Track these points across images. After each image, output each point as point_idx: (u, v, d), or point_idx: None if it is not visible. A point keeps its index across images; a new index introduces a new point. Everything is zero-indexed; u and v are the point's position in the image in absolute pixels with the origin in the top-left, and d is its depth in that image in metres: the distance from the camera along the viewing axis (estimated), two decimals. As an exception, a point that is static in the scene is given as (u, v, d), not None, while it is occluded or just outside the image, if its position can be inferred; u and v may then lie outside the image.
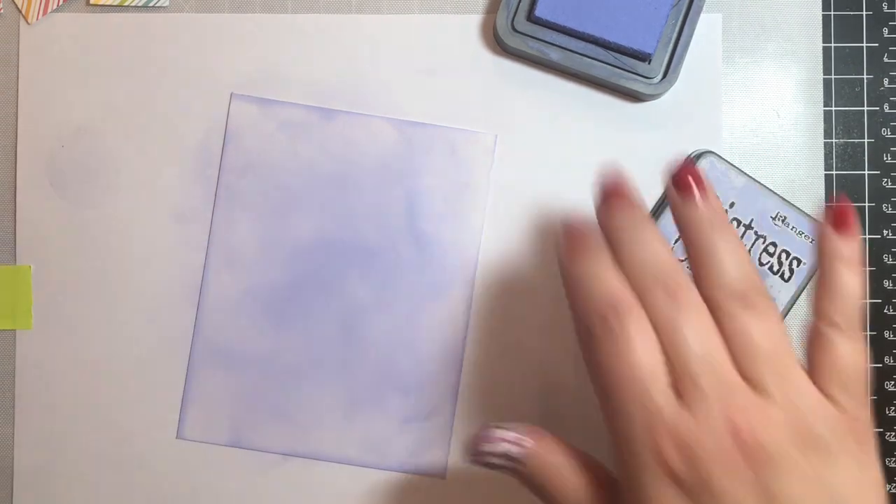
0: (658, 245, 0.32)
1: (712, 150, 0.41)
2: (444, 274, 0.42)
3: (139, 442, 0.42)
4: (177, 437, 0.42)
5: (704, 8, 0.41)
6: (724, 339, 0.31)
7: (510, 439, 0.33)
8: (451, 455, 0.42)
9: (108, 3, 0.42)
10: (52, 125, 0.42)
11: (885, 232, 0.42)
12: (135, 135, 0.42)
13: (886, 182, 0.43)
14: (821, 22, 0.43)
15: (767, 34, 0.43)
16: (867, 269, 0.42)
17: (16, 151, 0.42)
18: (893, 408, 0.42)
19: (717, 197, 0.33)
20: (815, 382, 0.31)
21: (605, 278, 0.31)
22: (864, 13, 0.43)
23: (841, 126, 0.43)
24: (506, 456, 0.32)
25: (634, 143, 0.42)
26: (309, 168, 0.42)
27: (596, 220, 0.33)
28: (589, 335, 0.31)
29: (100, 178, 0.42)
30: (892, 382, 0.42)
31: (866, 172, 0.43)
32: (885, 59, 0.43)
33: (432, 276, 0.42)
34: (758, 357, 0.30)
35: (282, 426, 0.42)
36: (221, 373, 0.42)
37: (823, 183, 0.43)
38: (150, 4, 0.42)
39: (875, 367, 0.42)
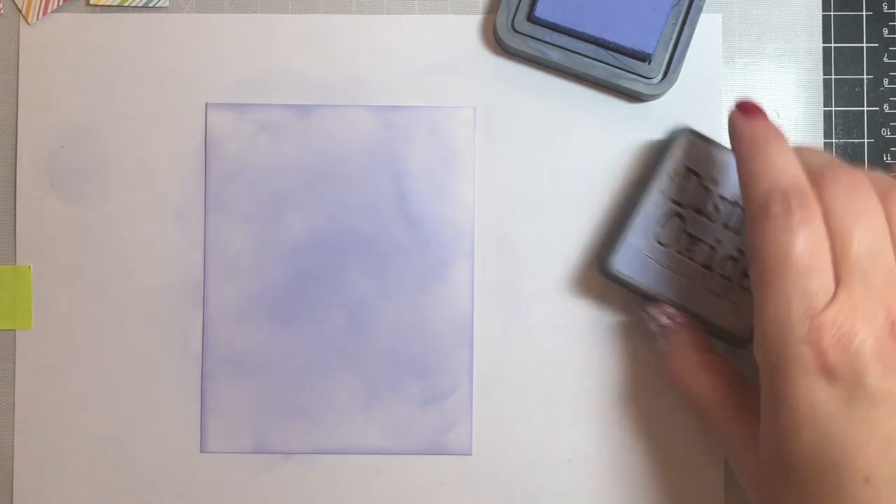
0: (821, 151, 0.35)
1: (690, 126, 0.41)
2: (443, 252, 0.42)
3: (137, 439, 0.42)
4: (201, 452, 0.42)
5: (704, 8, 0.41)
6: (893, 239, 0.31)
7: (666, 312, 0.39)
8: (474, 430, 0.42)
9: (108, 3, 0.42)
10: (52, 125, 0.42)
11: (885, 232, 0.42)
12: (135, 135, 0.42)
13: (886, 182, 0.43)
14: (821, 22, 0.43)
15: (767, 34, 0.43)
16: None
17: (16, 151, 0.42)
18: (893, 408, 0.42)
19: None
20: None
21: (795, 164, 0.32)
22: (864, 13, 0.43)
23: (841, 126, 0.43)
24: (660, 325, 0.39)
25: (635, 142, 0.42)
26: (294, 167, 0.42)
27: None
28: (764, 213, 0.31)
29: (100, 178, 0.42)
30: (892, 382, 0.42)
31: (866, 172, 0.43)
32: (885, 59, 0.43)
33: (431, 256, 0.42)
34: None
35: (303, 425, 0.42)
36: (236, 382, 0.42)
37: (823, 183, 0.43)
38: (150, 4, 0.42)
39: (875, 367, 0.42)
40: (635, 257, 0.40)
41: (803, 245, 0.30)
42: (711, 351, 0.38)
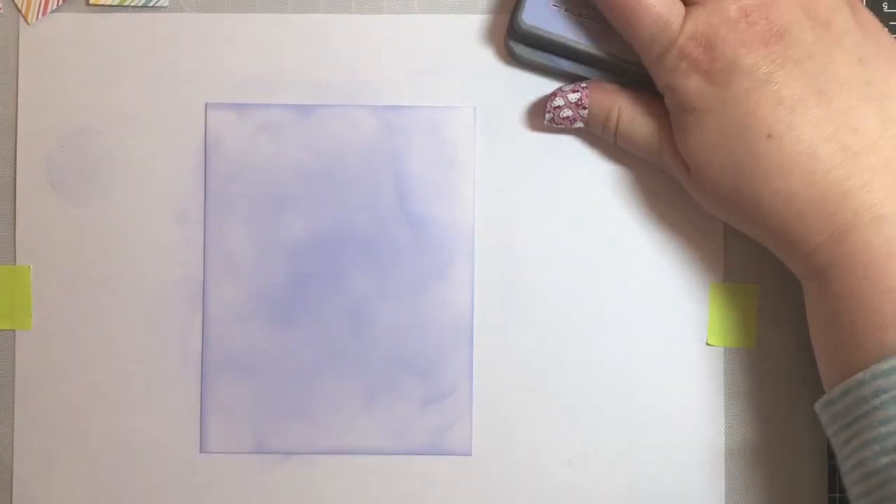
0: None
1: None
2: (443, 253, 0.42)
3: (137, 439, 0.42)
4: (201, 452, 0.42)
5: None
6: None
7: (570, 89, 0.39)
8: (474, 431, 0.42)
9: (107, 3, 0.42)
10: (52, 125, 0.42)
11: (885, 232, 0.42)
12: (135, 135, 0.42)
13: (886, 182, 0.43)
14: (821, 22, 0.43)
15: (767, 34, 0.43)
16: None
17: (16, 151, 0.42)
18: (893, 408, 0.42)
19: None
20: None
21: None
22: (864, 13, 0.43)
23: (841, 126, 0.43)
24: (571, 104, 0.39)
25: (634, 143, 0.42)
26: (294, 167, 0.42)
27: None
28: None
29: (100, 177, 0.42)
30: (892, 382, 0.42)
31: (866, 172, 0.43)
32: (885, 60, 0.43)
33: (431, 257, 0.42)
34: None
35: (303, 425, 0.42)
36: (236, 382, 0.42)
37: (823, 183, 0.42)
38: (150, 4, 0.42)
39: (875, 367, 0.42)
40: (542, 9, 0.39)
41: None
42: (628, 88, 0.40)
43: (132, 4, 0.42)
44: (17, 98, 0.42)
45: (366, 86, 0.43)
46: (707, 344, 0.42)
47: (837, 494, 0.42)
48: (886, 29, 0.36)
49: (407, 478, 0.42)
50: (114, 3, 0.42)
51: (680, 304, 0.42)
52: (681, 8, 0.35)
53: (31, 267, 0.42)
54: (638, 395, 0.42)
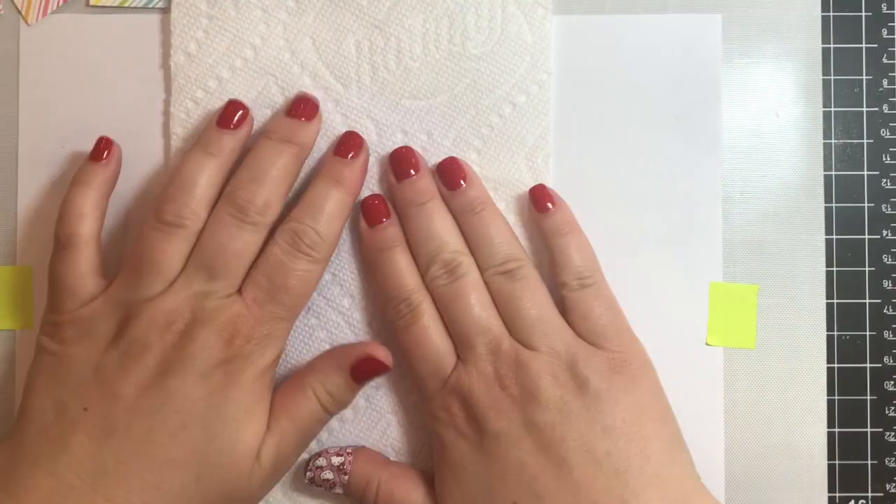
0: (439, 222, 0.36)
1: None
2: None
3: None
4: None
5: (704, 8, 0.41)
6: (499, 308, 0.37)
7: (334, 452, 0.39)
8: None
9: (108, 3, 0.42)
10: (52, 125, 0.42)
11: (884, 232, 0.43)
12: (135, 135, 0.42)
13: (886, 182, 0.43)
14: (820, 22, 0.43)
15: (767, 35, 0.43)
16: (867, 269, 0.43)
17: (17, 152, 0.42)
18: (893, 408, 0.42)
19: (479, 183, 0.40)
20: (579, 336, 0.37)
21: (400, 272, 0.38)
22: (864, 14, 0.43)
23: (840, 127, 0.43)
24: (334, 467, 0.38)
25: (634, 143, 0.42)
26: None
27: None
28: (391, 322, 0.38)
29: (100, 178, 0.42)
30: (892, 382, 0.42)
31: (865, 173, 0.43)
32: (885, 60, 0.43)
33: None
34: (526, 320, 0.36)
35: None
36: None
37: (823, 183, 0.43)
38: (150, 5, 0.42)
39: (875, 367, 0.42)
40: None
41: (423, 347, 0.37)
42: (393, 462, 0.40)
43: (132, 5, 0.42)
44: (17, 98, 0.42)
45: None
46: (707, 344, 0.42)
47: (837, 494, 0.42)
48: (647, 391, 0.37)
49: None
50: (114, 4, 0.42)
51: (680, 304, 0.42)
52: (450, 357, 0.37)
53: (32, 267, 0.42)
54: (638, 395, 0.42)
